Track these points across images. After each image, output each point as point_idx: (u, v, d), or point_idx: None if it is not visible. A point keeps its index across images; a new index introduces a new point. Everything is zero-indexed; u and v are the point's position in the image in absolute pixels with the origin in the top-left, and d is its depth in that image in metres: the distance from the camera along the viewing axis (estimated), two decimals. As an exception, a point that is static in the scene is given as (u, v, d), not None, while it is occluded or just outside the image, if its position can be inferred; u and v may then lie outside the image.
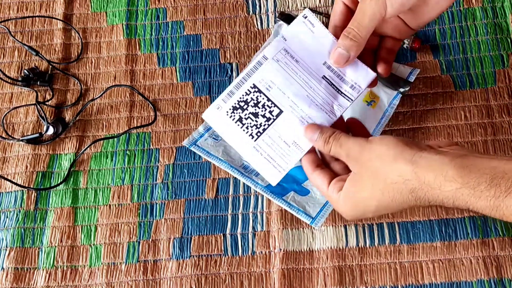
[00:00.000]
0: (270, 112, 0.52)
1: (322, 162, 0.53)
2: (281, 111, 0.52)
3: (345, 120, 0.55)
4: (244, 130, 0.52)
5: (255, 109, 0.52)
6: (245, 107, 0.52)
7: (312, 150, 0.52)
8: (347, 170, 0.50)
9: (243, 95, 0.52)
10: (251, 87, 0.52)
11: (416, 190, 0.43)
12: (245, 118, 0.52)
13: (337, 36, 0.52)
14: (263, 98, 0.52)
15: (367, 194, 0.46)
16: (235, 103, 0.52)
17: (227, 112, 0.52)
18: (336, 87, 0.52)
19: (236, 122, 0.52)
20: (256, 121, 0.52)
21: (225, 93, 0.53)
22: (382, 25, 0.53)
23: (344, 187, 0.48)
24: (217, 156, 0.64)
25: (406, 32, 0.54)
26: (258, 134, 0.52)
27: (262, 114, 0.52)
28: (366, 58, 0.54)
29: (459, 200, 0.41)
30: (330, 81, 0.52)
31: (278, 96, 0.52)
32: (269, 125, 0.52)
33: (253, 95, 0.52)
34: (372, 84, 0.53)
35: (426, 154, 0.43)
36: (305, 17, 0.53)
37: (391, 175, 0.44)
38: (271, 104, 0.52)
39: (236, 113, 0.52)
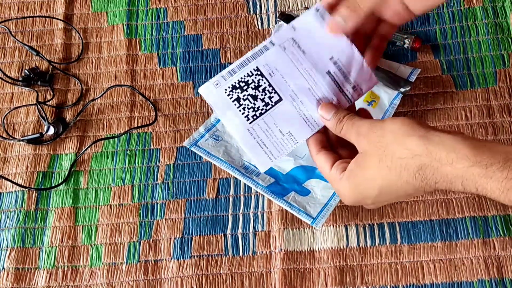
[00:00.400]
0: (270, 98, 0.51)
1: (328, 145, 0.52)
2: (280, 99, 0.51)
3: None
4: (240, 111, 0.51)
5: (255, 92, 0.51)
6: (245, 88, 0.51)
7: (320, 131, 0.51)
8: (353, 156, 0.48)
9: (244, 76, 0.51)
10: (254, 69, 0.51)
11: (424, 167, 0.42)
12: (243, 99, 0.51)
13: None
14: (264, 83, 0.51)
15: (372, 172, 0.45)
16: (235, 82, 0.51)
17: (226, 90, 0.51)
18: (339, 85, 0.52)
19: (233, 102, 0.51)
20: (254, 104, 0.51)
21: (226, 71, 0.51)
22: (382, 7, 0.51)
23: (349, 167, 0.47)
24: (217, 156, 0.64)
25: (405, 18, 0.52)
26: (254, 117, 0.51)
27: (262, 98, 0.51)
28: (358, 43, 0.52)
29: (468, 181, 0.40)
30: (334, 78, 0.51)
31: (280, 84, 0.51)
32: (266, 110, 0.51)
33: (255, 77, 0.51)
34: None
35: (439, 133, 0.42)
36: (317, 10, 0.52)
37: (401, 149, 0.43)
38: (272, 90, 0.51)
39: (235, 92, 0.51)
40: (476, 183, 0.40)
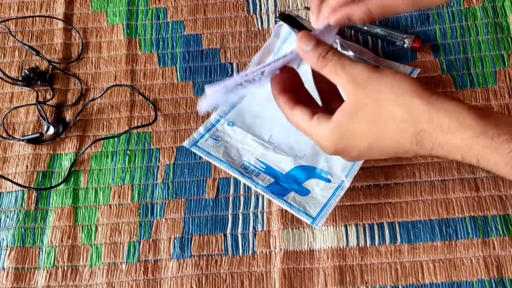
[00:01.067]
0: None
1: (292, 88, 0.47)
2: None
3: None
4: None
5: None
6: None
7: (287, 91, 0.47)
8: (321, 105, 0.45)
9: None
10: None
11: (423, 133, 0.39)
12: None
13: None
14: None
15: (364, 127, 0.41)
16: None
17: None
18: None
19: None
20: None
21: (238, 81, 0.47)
22: None
23: (335, 116, 0.43)
24: (217, 156, 0.64)
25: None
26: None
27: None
28: None
29: (469, 151, 0.38)
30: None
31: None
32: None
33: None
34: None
35: (443, 98, 0.39)
36: None
37: (400, 111, 0.40)
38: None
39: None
40: (478, 155, 0.38)
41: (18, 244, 0.63)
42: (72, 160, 0.68)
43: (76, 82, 0.73)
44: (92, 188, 0.66)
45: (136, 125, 0.69)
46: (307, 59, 0.44)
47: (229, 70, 0.72)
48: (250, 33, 0.75)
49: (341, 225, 0.62)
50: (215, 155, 0.65)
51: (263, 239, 0.62)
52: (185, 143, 0.66)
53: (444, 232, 0.61)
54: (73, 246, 0.63)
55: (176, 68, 0.73)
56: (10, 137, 0.69)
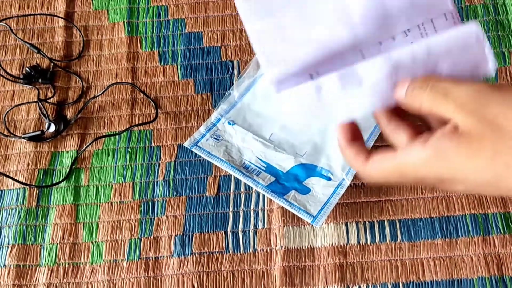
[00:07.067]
0: None
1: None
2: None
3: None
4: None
5: None
6: None
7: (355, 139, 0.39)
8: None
9: None
10: None
11: None
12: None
13: None
14: None
15: (482, 165, 0.32)
16: None
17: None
18: None
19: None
20: None
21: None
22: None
23: (439, 142, 0.33)
24: (218, 156, 0.65)
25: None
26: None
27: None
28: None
29: None
30: None
31: None
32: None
33: None
34: None
35: None
36: None
37: None
38: None
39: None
40: None
41: (20, 242, 0.63)
42: (73, 158, 0.68)
43: (77, 80, 0.73)
44: (93, 186, 0.66)
45: (137, 123, 0.69)
46: (403, 101, 0.36)
47: (230, 68, 0.72)
48: (251, 30, 0.75)
49: (342, 223, 0.62)
50: (216, 155, 0.65)
51: (264, 236, 0.62)
52: (186, 144, 0.66)
53: (444, 229, 0.61)
54: (74, 244, 0.63)
55: (177, 66, 0.73)
56: (12, 135, 0.69)
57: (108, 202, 0.65)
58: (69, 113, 0.71)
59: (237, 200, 0.64)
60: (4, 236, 0.64)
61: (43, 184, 0.67)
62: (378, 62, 0.36)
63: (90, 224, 0.64)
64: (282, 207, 0.63)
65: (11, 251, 0.63)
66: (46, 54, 0.74)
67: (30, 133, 0.69)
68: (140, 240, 0.63)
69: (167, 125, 0.69)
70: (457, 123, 0.33)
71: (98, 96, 0.71)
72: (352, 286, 0.59)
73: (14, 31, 0.76)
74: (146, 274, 0.61)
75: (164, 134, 0.69)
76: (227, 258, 0.62)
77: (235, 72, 0.72)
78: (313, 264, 0.60)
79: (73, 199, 0.66)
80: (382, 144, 0.64)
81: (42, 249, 0.63)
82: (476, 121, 0.32)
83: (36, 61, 0.74)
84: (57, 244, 0.63)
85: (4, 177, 0.67)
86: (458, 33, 0.36)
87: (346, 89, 0.37)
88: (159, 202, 0.65)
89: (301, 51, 0.38)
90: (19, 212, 0.65)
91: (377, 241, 0.61)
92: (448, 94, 0.33)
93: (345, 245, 0.61)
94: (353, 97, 0.37)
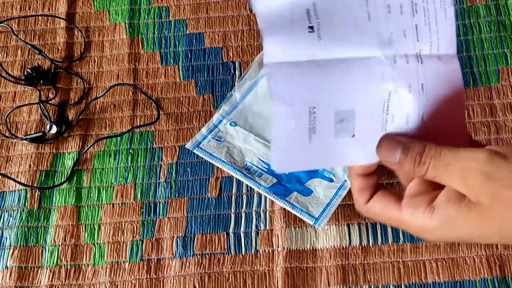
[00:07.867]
0: None
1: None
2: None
3: None
4: None
5: None
6: None
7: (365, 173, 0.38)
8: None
9: None
10: None
11: None
12: None
13: None
14: None
15: (491, 231, 0.33)
16: None
17: None
18: None
19: None
20: None
21: None
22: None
23: (447, 211, 0.34)
24: (220, 158, 0.64)
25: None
26: None
27: None
28: None
29: None
30: None
31: None
32: None
33: None
34: None
35: None
36: None
37: None
38: None
39: None
40: None
41: (21, 243, 0.63)
42: (75, 159, 0.68)
43: (79, 81, 0.73)
44: (95, 187, 0.66)
45: (138, 124, 0.69)
46: (400, 171, 0.37)
47: (232, 69, 0.72)
48: (252, 31, 0.75)
49: (344, 224, 0.62)
50: (217, 156, 0.65)
51: (266, 238, 0.62)
52: (188, 145, 0.66)
53: (446, 231, 0.61)
54: (76, 245, 0.63)
55: (178, 66, 0.73)
56: (13, 136, 0.69)
57: (110, 204, 0.65)
58: (71, 114, 0.71)
59: (239, 201, 0.64)
60: (6, 238, 0.64)
61: (45, 186, 0.66)
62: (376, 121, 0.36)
63: (92, 225, 0.64)
64: (284, 208, 0.62)
65: (12, 253, 0.63)
66: (47, 55, 0.74)
67: (31, 134, 0.69)
68: (142, 241, 0.63)
69: (168, 127, 0.69)
70: (464, 193, 0.33)
71: (99, 97, 0.71)
72: (354, 288, 0.59)
73: (15, 32, 0.76)
74: (148, 276, 0.61)
75: (165, 136, 0.69)
76: (229, 259, 0.62)
77: (237, 73, 0.72)
78: (315, 265, 0.60)
79: (75, 200, 0.66)
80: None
81: (44, 251, 0.63)
82: (485, 196, 0.32)
83: (38, 62, 0.74)
84: (59, 245, 0.63)
85: (6, 178, 0.67)
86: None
87: (338, 138, 0.36)
88: (161, 203, 0.65)
89: None
90: (20, 213, 0.65)
91: (379, 242, 0.61)
92: (451, 165, 0.33)
93: (347, 246, 0.61)
94: (344, 146, 0.36)
